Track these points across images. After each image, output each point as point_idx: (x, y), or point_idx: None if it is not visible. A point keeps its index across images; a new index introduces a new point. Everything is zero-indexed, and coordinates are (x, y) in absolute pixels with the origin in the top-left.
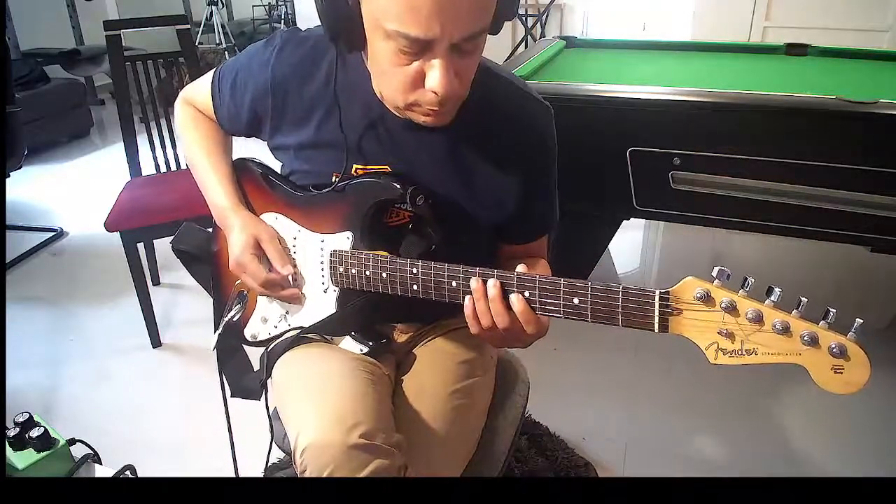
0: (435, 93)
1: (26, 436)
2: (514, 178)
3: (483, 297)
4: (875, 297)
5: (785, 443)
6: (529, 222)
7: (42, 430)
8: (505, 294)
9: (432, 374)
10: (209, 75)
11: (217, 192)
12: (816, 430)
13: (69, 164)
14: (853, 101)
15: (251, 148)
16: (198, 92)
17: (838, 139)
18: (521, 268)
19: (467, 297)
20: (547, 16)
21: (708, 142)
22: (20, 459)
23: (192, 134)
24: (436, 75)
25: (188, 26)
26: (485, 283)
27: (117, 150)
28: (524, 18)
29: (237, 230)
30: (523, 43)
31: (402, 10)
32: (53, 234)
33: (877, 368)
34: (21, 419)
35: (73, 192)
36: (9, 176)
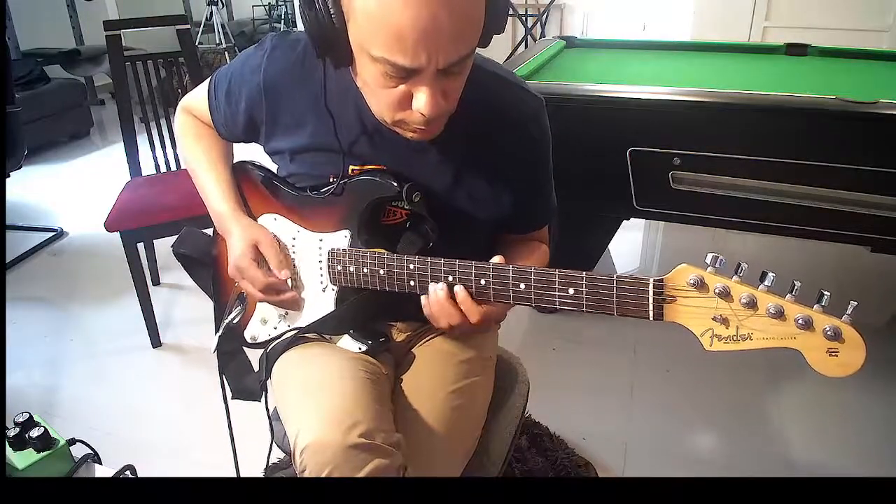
0: (422, 114)
1: (26, 436)
2: (508, 173)
3: (436, 301)
4: (874, 297)
5: (785, 443)
6: (527, 215)
7: (42, 430)
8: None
9: (431, 373)
10: (206, 83)
11: (216, 199)
12: (816, 430)
13: (69, 164)
14: (853, 101)
15: (251, 151)
16: (195, 100)
17: (838, 139)
18: (496, 259)
19: (423, 298)
20: (547, 16)
21: (708, 142)
22: (20, 459)
23: (191, 142)
24: (422, 98)
25: (188, 26)
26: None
27: (117, 150)
28: (524, 18)
29: (236, 236)
30: (523, 43)
31: (388, 39)
32: (53, 234)
33: (876, 368)
34: (21, 419)
35: (73, 192)
36: (9, 176)
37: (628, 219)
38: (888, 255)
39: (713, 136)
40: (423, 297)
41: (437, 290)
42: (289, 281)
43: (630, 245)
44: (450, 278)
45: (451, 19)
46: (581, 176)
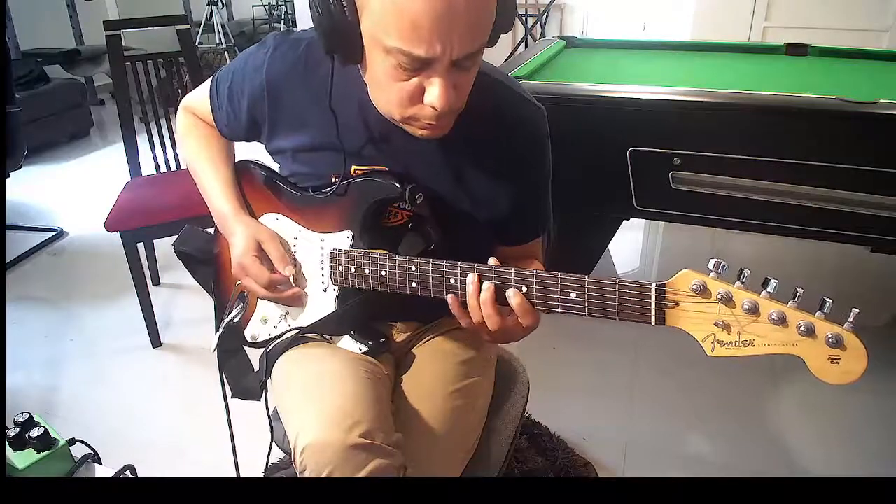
0: (434, 108)
1: (26, 436)
2: (508, 180)
3: (475, 294)
4: (874, 297)
5: (785, 443)
6: (524, 223)
7: (42, 430)
8: (498, 295)
9: (432, 373)
10: (208, 83)
11: (218, 198)
12: (817, 431)
13: (69, 164)
14: (853, 101)
15: (252, 150)
16: (197, 99)
17: (838, 139)
18: (492, 260)
19: (450, 296)
20: (547, 16)
21: (708, 142)
22: (20, 459)
23: (192, 141)
24: (435, 91)
25: (188, 26)
26: (479, 282)
27: (117, 150)
28: (524, 18)
29: (238, 234)
30: (523, 43)
31: (404, 29)
32: (53, 234)
33: (876, 368)
34: (21, 419)
35: (73, 192)
36: (9, 176)
37: (628, 219)
38: (888, 255)
39: (713, 136)
40: (449, 296)
41: (483, 291)
42: (291, 278)
43: (630, 245)
44: (451, 280)
45: (467, 9)
46: (581, 176)
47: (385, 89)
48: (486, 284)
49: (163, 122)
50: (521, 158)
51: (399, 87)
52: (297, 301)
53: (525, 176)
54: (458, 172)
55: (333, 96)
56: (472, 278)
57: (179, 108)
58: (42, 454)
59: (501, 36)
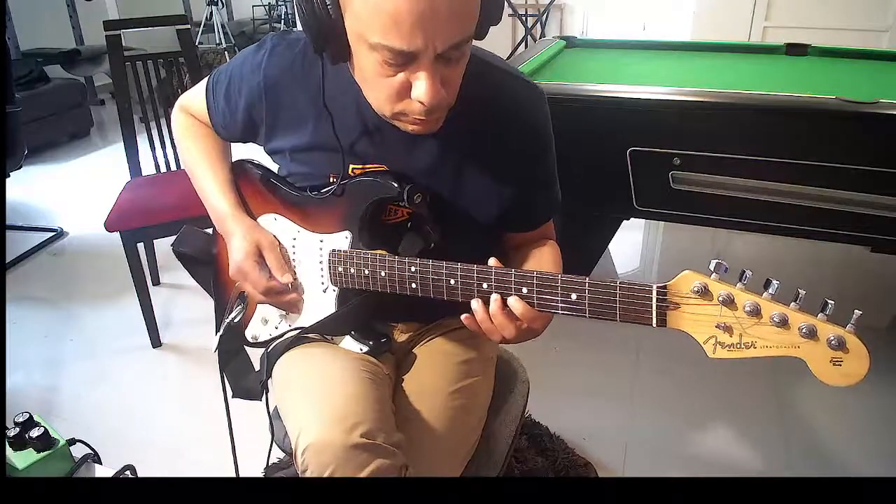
0: (421, 103)
1: (26, 436)
2: (510, 167)
3: (485, 315)
4: (875, 297)
5: (785, 443)
6: (532, 209)
7: (42, 430)
8: (505, 301)
9: (432, 373)
10: (204, 82)
11: (217, 198)
12: (816, 431)
13: (69, 164)
14: (853, 101)
15: (249, 150)
16: (193, 99)
17: (838, 139)
18: (492, 261)
19: (465, 317)
20: (547, 16)
21: (708, 142)
22: (20, 459)
23: (189, 142)
24: (422, 86)
25: (188, 26)
26: (485, 302)
27: (117, 150)
28: (524, 18)
29: (238, 236)
30: (523, 43)
31: (385, 24)
32: (53, 234)
33: (877, 369)
34: (21, 419)
35: (73, 192)
36: (9, 176)
37: (628, 219)
38: (888, 254)
39: (713, 136)
40: (464, 317)
41: (491, 303)
42: (289, 285)
43: (630, 245)
44: (451, 281)
45: (448, 1)
46: (581, 176)
47: (373, 86)
48: (493, 297)
49: (163, 122)
50: (521, 144)
51: (387, 84)
52: (295, 306)
53: (527, 162)
54: (459, 167)
55: (331, 96)
56: (476, 304)
57: (175, 108)
58: (42, 454)
59: (502, 36)
